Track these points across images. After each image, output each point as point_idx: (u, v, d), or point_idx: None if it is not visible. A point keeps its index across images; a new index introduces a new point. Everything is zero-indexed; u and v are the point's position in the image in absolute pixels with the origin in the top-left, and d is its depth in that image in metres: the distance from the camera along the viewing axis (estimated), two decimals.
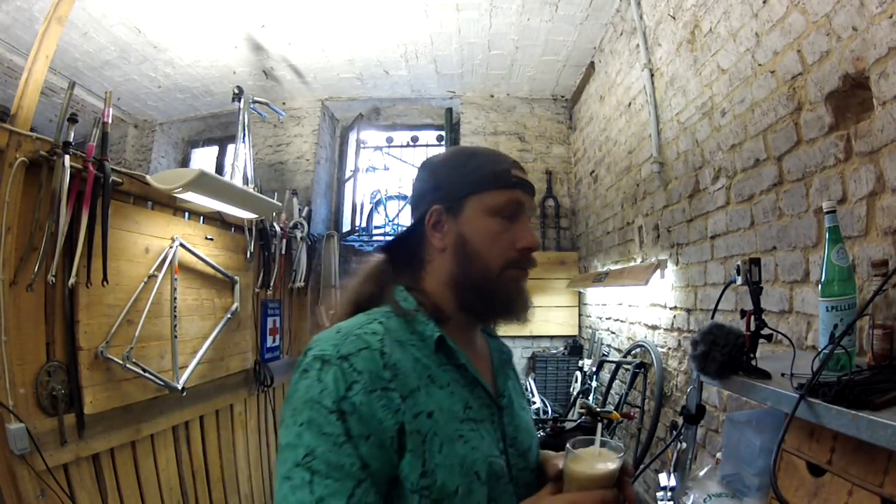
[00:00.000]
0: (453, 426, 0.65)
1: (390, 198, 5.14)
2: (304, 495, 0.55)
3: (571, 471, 0.66)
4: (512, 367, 0.87)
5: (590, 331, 4.11)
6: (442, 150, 5.41)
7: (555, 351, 4.40)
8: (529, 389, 4.06)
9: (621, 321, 3.36)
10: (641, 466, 2.49)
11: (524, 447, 0.75)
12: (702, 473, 1.30)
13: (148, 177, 2.32)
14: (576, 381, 3.92)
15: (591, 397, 3.39)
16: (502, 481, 0.68)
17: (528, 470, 0.74)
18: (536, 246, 0.75)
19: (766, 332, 1.10)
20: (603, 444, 0.68)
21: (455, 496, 0.61)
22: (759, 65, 1.72)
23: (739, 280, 1.17)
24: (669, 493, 1.58)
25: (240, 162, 3.21)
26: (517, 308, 0.76)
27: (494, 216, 0.73)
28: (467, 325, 0.77)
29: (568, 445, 0.67)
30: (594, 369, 3.48)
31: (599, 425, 0.76)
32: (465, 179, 0.75)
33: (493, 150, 0.81)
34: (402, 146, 5.36)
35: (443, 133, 5.13)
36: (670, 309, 2.55)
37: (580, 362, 3.99)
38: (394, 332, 0.68)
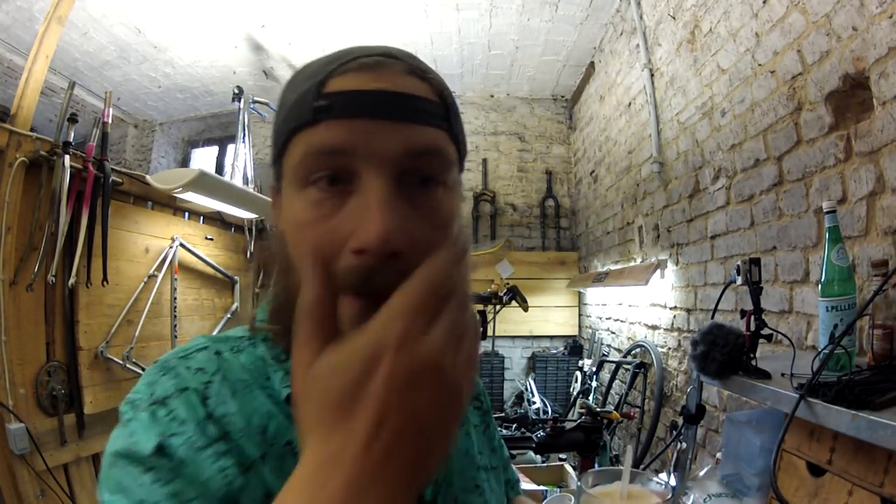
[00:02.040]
0: None
1: None
2: None
3: None
4: (468, 425, 0.56)
5: (590, 331, 4.11)
6: None
7: (555, 351, 4.40)
8: (529, 390, 4.06)
9: (621, 321, 3.36)
10: (641, 466, 2.49)
11: None
12: (702, 473, 1.30)
13: (148, 177, 2.32)
14: (576, 381, 3.92)
15: (591, 397, 3.39)
16: None
17: None
18: (384, 237, 0.34)
19: (766, 332, 1.10)
20: (633, 479, 0.45)
21: None
22: (759, 65, 1.72)
23: (739, 280, 1.17)
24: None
25: (240, 162, 3.21)
26: None
27: (306, 187, 0.38)
28: None
29: (580, 484, 0.46)
30: (594, 369, 3.48)
31: (629, 449, 0.53)
32: (275, 129, 0.42)
33: (332, 53, 0.41)
34: None
35: None
36: (670, 309, 2.55)
37: (580, 362, 3.99)
38: (236, 370, 0.42)
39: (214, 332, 2.78)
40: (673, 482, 1.56)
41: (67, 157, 1.85)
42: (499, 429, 0.64)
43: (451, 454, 0.45)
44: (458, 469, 0.51)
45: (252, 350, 0.45)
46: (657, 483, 0.46)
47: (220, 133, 5.29)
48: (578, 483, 0.46)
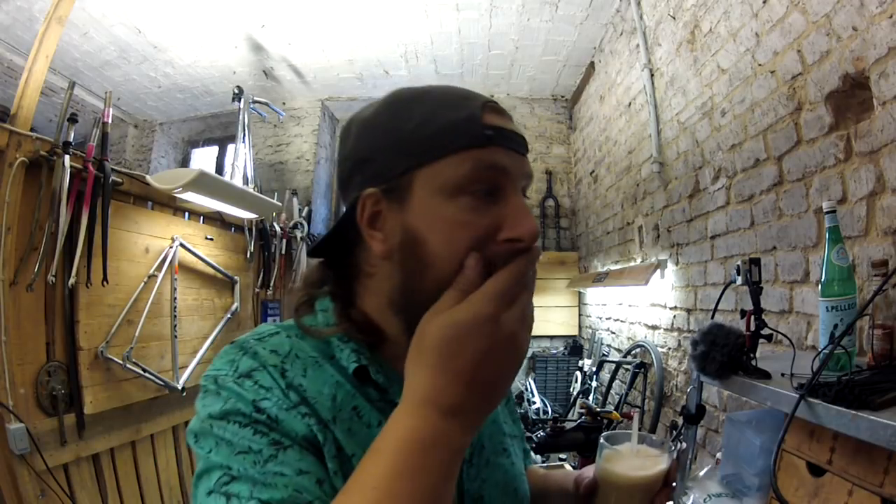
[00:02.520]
0: None
1: None
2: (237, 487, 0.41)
3: (609, 473, 0.54)
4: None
5: (590, 331, 4.11)
6: None
7: (555, 351, 4.40)
8: (529, 390, 4.06)
9: (621, 321, 3.36)
10: None
11: None
12: (702, 473, 1.30)
13: (148, 177, 2.32)
14: (576, 381, 3.92)
15: (591, 397, 3.39)
16: None
17: None
18: (535, 232, 0.47)
19: (766, 332, 1.10)
20: (641, 440, 0.56)
21: None
22: (759, 65, 1.72)
23: (739, 280, 1.17)
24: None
25: (240, 162, 3.22)
26: None
27: (459, 196, 0.47)
28: None
29: (602, 440, 0.55)
30: (594, 369, 3.48)
31: (636, 416, 0.64)
32: (406, 143, 0.48)
33: (453, 88, 0.52)
34: None
35: None
36: (670, 309, 2.55)
37: (580, 362, 3.99)
38: (307, 349, 0.51)
39: (214, 333, 2.79)
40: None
41: (67, 157, 1.85)
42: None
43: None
44: (488, 434, 0.60)
45: (309, 339, 0.53)
46: (659, 439, 0.56)
47: (220, 133, 5.29)
48: (601, 441, 0.56)
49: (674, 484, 0.55)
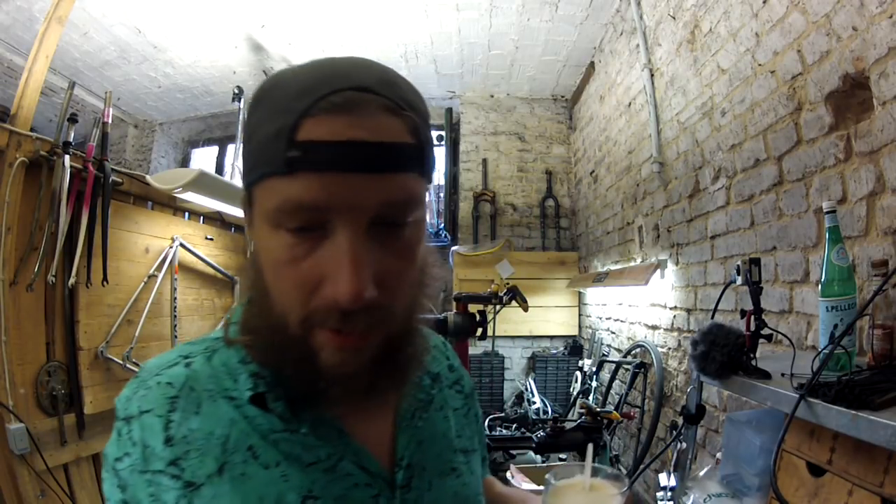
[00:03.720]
0: None
1: None
2: None
3: None
4: (447, 408, 0.56)
5: (590, 331, 4.11)
6: (441, 150, 5.36)
7: (555, 351, 4.40)
8: (529, 390, 4.06)
9: (621, 321, 3.36)
10: (641, 466, 2.49)
11: None
12: (702, 473, 1.30)
13: (148, 177, 2.32)
14: (576, 381, 3.92)
15: (591, 397, 3.39)
16: None
17: None
18: (353, 296, 0.36)
19: (766, 332, 1.10)
20: (595, 473, 0.49)
21: None
22: (759, 65, 1.72)
23: (739, 280, 1.17)
24: (669, 493, 1.58)
25: (240, 162, 3.21)
26: (378, 385, 0.43)
27: (278, 230, 0.39)
28: (372, 388, 0.46)
29: (547, 476, 0.49)
30: (594, 369, 3.48)
31: (590, 447, 0.56)
32: (244, 152, 0.42)
33: (319, 69, 0.40)
34: None
35: (443, 133, 5.12)
36: (670, 309, 2.55)
37: (580, 362, 3.99)
38: (203, 380, 0.44)
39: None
40: (673, 482, 1.56)
41: (67, 157, 1.85)
42: (483, 418, 0.65)
43: (424, 439, 0.50)
44: (433, 453, 0.51)
45: (224, 351, 0.46)
46: (615, 473, 0.50)
47: (220, 133, 5.29)
48: (546, 477, 0.49)
49: None
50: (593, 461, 0.49)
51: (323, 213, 0.37)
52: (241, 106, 3.33)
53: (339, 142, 0.36)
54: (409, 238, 0.41)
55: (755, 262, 1.16)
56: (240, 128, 3.32)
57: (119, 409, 0.44)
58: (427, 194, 0.44)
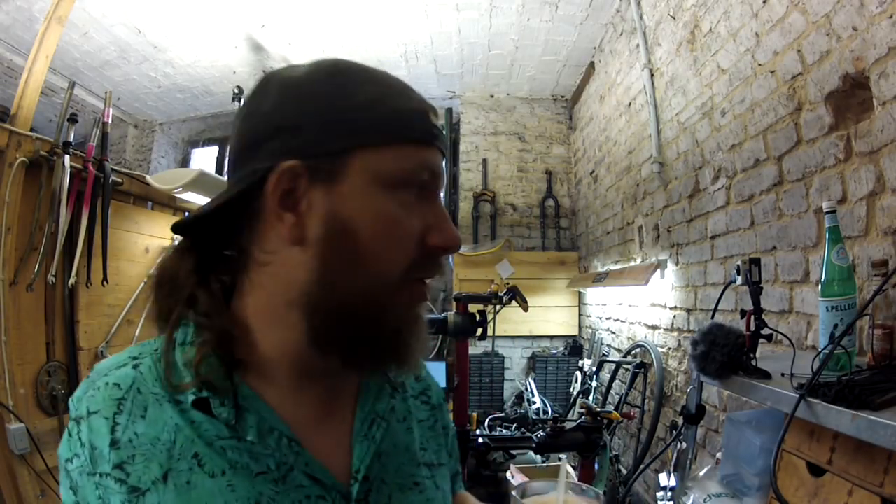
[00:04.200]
0: None
1: None
2: None
3: None
4: (411, 419, 0.55)
5: (590, 331, 4.11)
6: None
7: (555, 351, 4.40)
8: (529, 390, 4.06)
9: (621, 321, 3.36)
10: (641, 466, 2.49)
11: None
12: (702, 473, 1.30)
13: (148, 177, 2.32)
14: (576, 381, 3.92)
15: (591, 397, 3.39)
16: None
17: None
18: (459, 243, 0.47)
19: (766, 332, 1.10)
20: (567, 489, 0.48)
21: None
22: (759, 65, 1.72)
23: (739, 280, 1.17)
24: (669, 493, 1.58)
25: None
26: (409, 351, 0.46)
27: (399, 190, 0.44)
28: (307, 370, 0.46)
29: (513, 494, 0.48)
30: (594, 369, 3.48)
31: (566, 467, 0.55)
32: (349, 120, 0.43)
33: (394, 77, 0.48)
34: None
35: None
36: (670, 309, 2.55)
37: (580, 362, 3.99)
38: (150, 383, 0.43)
39: None
40: (673, 482, 1.56)
41: (67, 157, 1.85)
42: (452, 424, 0.64)
43: (384, 450, 0.49)
44: (394, 466, 0.50)
45: (174, 352, 0.45)
46: (591, 490, 0.48)
47: (220, 133, 5.30)
48: (512, 495, 0.47)
49: None
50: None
51: (436, 181, 0.46)
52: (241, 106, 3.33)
53: (439, 127, 0.47)
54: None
55: (755, 262, 1.16)
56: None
57: (71, 408, 0.44)
58: None
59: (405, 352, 0.46)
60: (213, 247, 0.48)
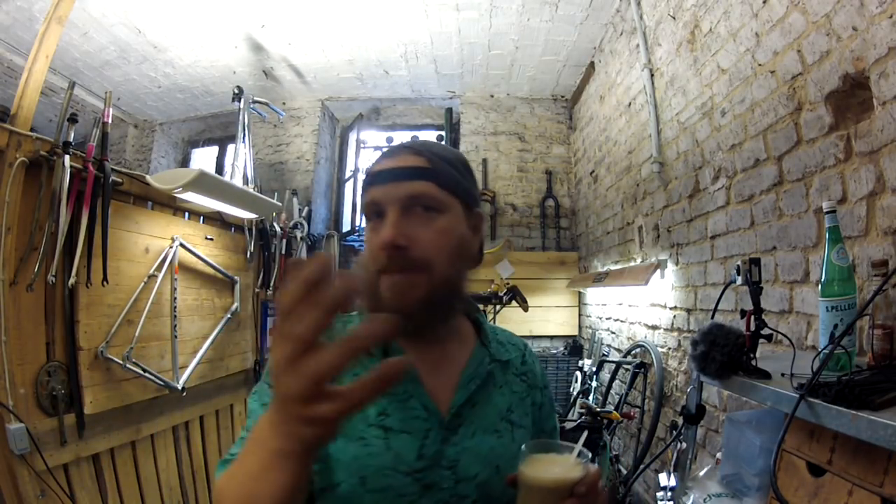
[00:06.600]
0: (358, 427, 0.64)
1: None
2: (235, 448, 0.61)
3: (523, 476, 0.59)
4: (506, 388, 0.75)
5: (590, 331, 4.11)
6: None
7: (555, 351, 4.40)
8: None
9: (621, 321, 3.36)
10: (641, 466, 2.49)
11: (468, 474, 0.65)
12: (702, 473, 1.30)
13: (148, 177, 2.32)
14: (576, 381, 3.92)
15: (591, 397, 3.39)
16: (405, 499, 0.62)
17: (469, 500, 0.66)
18: (388, 241, 0.63)
19: (766, 332, 1.10)
20: (565, 450, 0.60)
21: (337, 489, 0.62)
22: (759, 65, 1.72)
23: (739, 280, 1.17)
24: (669, 493, 1.58)
25: (240, 162, 3.21)
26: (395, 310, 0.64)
27: (368, 220, 0.70)
28: (423, 327, 0.68)
29: (523, 447, 0.60)
30: (594, 369, 3.48)
31: (584, 435, 0.68)
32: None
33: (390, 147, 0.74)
34: None
35: (443, 133, 5.13)
36: (670, 309, 2.55)
37: (580, 362, 3.99)
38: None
39: (214, 333, 2.79)
40: (673, 482, 1.56)
41: (67, 157, 1.85)
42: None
43: (478, 402, 0.70)
44: (482, 413, 0.70)
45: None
46: (583, 451, 0.60)
47: (220, 133, 5.29)
48: (522, 448, 0.60)
49: (584, 493, 0.57)
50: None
51: (382, 205, 0.67)
52: (241, 106, 3.33)
53: (391, 168, 0.68)
54: (439, 224, 0.67)
55: (755, 262, 1.16)
56: (240, 127, 3.31)
57: (263, 381, 0.67)
58: (459, 201, 0.70)
59: (423, 328, 0.68)
60: None
